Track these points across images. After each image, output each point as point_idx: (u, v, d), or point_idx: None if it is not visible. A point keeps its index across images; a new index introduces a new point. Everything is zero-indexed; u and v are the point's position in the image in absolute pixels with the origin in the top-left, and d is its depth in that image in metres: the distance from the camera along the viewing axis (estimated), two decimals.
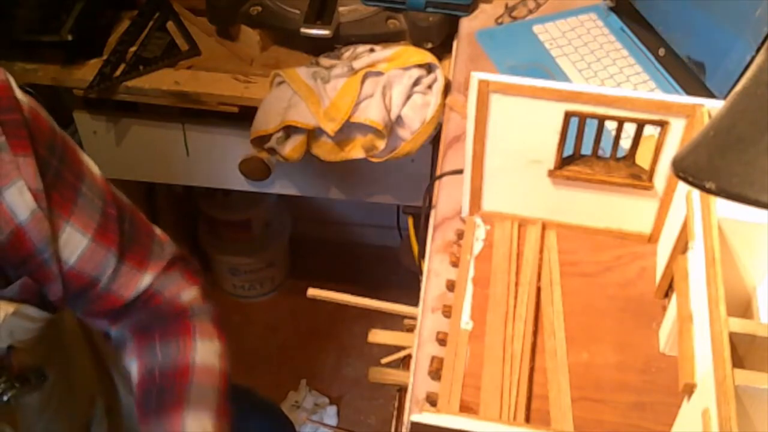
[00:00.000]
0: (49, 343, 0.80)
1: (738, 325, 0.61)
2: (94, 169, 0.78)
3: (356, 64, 1.18)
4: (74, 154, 0.76)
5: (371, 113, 1.14)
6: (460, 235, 0.94)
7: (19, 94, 0.70)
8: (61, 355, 0.85)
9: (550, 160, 0.88)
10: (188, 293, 0.85)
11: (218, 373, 0.82)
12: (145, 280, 0.81)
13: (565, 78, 1.13)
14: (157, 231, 0.84)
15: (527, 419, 0.77)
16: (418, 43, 1.24)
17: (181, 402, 0.78)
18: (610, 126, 0.86)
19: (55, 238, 0.73)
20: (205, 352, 0.82)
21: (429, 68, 1.20)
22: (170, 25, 1.34)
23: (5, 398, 0.74)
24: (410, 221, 1.56)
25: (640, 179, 0.87)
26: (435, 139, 1.20)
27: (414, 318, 1.03)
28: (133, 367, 0.84)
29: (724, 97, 0.71)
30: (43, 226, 0.71)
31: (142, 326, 0.83)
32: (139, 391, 0.82)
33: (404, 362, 1.21)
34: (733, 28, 0.96)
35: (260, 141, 1.21)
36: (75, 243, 0.74)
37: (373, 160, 1.20)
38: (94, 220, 0.75)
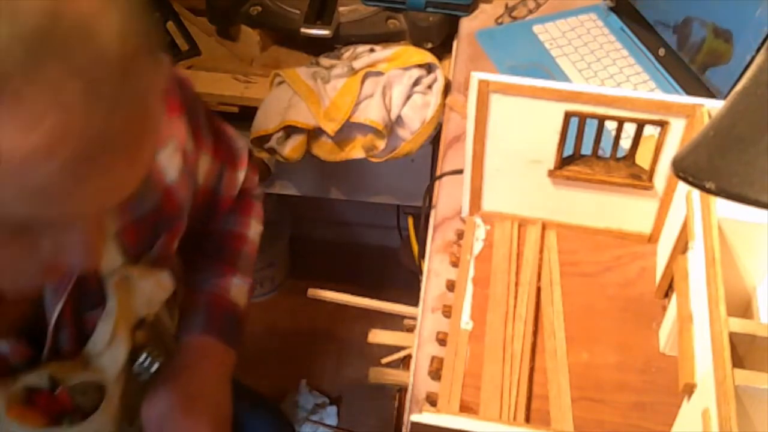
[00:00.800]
0: (162, 320, 0.81)
1: (738, 325, 0.61)
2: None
3: (356, 64, 1.18)
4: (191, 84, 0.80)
5: (371, 113, 1.14)
6: (460, 235, 0.94)
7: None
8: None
9: (550, 160, 0.88)
10: (254, 177, 0.94)
11: (257, 249, 0.93)
12: (241, 177, 0.89)
13: (565, 78, 1.13)
14: (229, 128, 0.89)
15: (527, 419, 0.77)
16: (418, 43, 1.24)
17: (234, 266, 0.88)
18: (610, 126, 0.86)
19: (194, 174, 0.77)
20: (255, 230, 0.93)
21: (429, 68, 1.20)
22: (170, 25, 1.34)
23: (153, 369, 0.73)
24: (410, 221, 1.56)
25: (640, 179, 0.87)
26: (435, 139, 1.20)
27: (414, 318, 1.03)
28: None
29: (724, 97, 0.71)
30: (187, 185, 0.74)
31: None
32: (201, 241, 0.88)
33: (404, 362, 1.21)
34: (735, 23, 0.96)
35: (260, 141, 1.21)
36: (205, 165, 0.80)
37: (373, 160, 1.20)
38: (210, 140, 0.81)
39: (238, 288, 0.87)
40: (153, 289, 0.73)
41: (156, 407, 0.76)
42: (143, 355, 0.73)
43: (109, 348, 0.69)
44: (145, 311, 0.73)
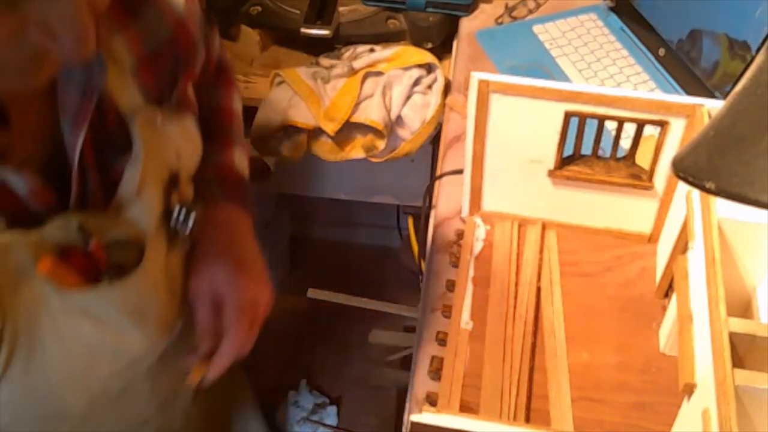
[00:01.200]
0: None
1: (738, 325, 0.61)
2: None
3: (356, 64, 1.18)
4: None
5: (371, 113, 1.14)
6: (460, 235, 0.94)
7: None
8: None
9: (550, 160, 0.88)
10: (224, 47, 0.93)
11: (242, 120, 0.93)
12: (216, 41, 0.88)
13: (565, 78, 1.13)
14: None
15: (527, 419, 0.77)
16: (418, 43, 1.24)
17: (231, 139, 0.88)
18: (610, 126, 0.86)
19: (197, 17, 0.75)
20: (238, 103, 0.92)
21: (429, 68, 1.20)
22: None
23: (190, 223, 0.71)
24: (410, 221, 1.56)
25: (640, 179, 0.87)
26: (435, 139, 1.20)
27: (414, 318, 1.03)
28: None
29: (724, 97, 0.71)
30: (194, 24, 0.72)
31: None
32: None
33: (404, 362, 1.21)
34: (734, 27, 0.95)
35: (260, 141, 1.21)
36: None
37: (373, 160, 1.20)
38: None
39: (240, 159, 0.87)
40: (180, 138, 0.71)
41: (206, 279, 0.75)
42: (177, 208, 0.70)
43: (139, 197, 0.66)
44: (175, 164, 0.71)
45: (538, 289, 0.88)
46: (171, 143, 0.70)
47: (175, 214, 0.70)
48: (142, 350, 0.71)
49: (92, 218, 0.63)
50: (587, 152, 0.89)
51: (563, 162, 0.88)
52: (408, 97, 1.18)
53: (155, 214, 0.68)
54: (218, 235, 0.78)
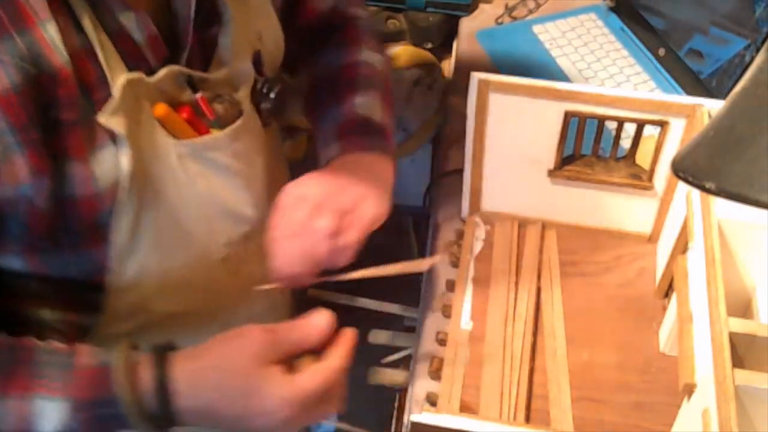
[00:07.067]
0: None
1: (738, 325, 0.61)
2: None
3: None
4: None
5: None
6: (460, 235, 0.94)
7: None
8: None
9: (550, 160, 0.88)
10: (360, 10, 0.89)
11: (382, 72, 0.85)
12: None
13: (565, 78, 1.13)
14: None
15: (527, 419, 0.77)
16: (418, 43, 1.24)
17: (352, 89, 0.82)
18: (610, 126, 0.86)
19: None
20: (369, 56, 0.85)
21: (429, 68, 1.20)
22: None
23: (272, 95, 0.75)
24: (410, 221, 1.55)
25: (640, 179, 0.87)
26: (435, 139, 1.20)
27: (414, 318, 1.03)
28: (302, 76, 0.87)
29: (724, 97, 0.71)
30: None
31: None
32: (311, 88, 0.86)
33: (404, 362, 1.21)
34: (733, 28, 0.96)
35: None
36: None
37: None
38: None
39: (365, 104, 0.80)
40: (261, 17, 0.74)
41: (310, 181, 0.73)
42: (261, 81, 0.74)
43: (235, 61, 0.70)
44: (257, 44, 0.74)
45: (538, 289, 0.88)
46: (252, 20, 0.72)
47: (258, 86, 0.74)
48: (253, 220, 0.74)
49: (198, 74, 0.68)
50: (587, 152, 0.89)
51: (563, 162, 0.88)
52: (408, 97, 1.18)
53: (248, 80, 0.72)
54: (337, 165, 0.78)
